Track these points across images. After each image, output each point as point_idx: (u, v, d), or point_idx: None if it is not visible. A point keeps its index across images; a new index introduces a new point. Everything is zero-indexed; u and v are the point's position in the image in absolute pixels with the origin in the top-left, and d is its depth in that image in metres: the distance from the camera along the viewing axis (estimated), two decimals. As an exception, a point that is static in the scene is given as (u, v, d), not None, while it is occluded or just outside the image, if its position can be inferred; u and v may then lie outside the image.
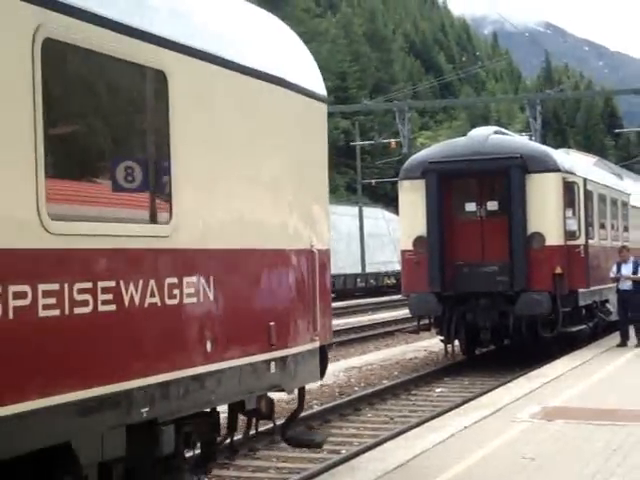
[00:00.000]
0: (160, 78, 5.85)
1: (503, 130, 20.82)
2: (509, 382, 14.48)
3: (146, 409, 5.63)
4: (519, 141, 20.26)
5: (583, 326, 18.73)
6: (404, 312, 23.56)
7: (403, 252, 18.48)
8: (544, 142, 34.56)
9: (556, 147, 28.76)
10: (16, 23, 4.74)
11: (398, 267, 29.92)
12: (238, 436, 7.93)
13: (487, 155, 17.55)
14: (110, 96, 5.74)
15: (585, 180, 19.19)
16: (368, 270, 52.59)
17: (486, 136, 18.41)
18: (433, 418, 11.64)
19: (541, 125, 41.78)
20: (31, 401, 4.76)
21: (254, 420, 7.63)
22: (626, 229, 24.22)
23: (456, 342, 18.34)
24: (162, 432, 5.97)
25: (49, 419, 4.88)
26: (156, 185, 5.94)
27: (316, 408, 13.06)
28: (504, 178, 17.56)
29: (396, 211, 24.61)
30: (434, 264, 17.42)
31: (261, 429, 8.06)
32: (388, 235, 51.57)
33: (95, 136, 5.62)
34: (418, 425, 11.17)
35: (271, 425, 7.93)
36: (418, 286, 17.61)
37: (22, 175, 4.79)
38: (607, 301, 20.27)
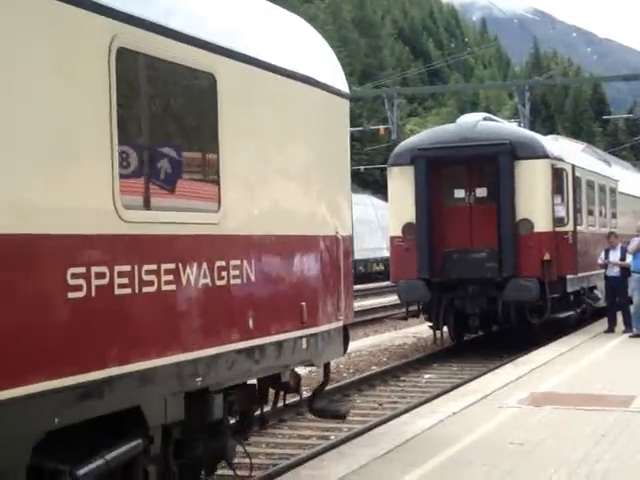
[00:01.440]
0: (210, 80, 6.53)
1: (492, 117, 20.82)
2: (497, 368, 14.54)
3: (200, 379, 6.33)
4: (508, 128, 20.25)
5: (571, 312, 18.80)
6: (393, 299, 23.60)
7: (392, 239, 18.48)
8: (533, 128, 34.52)
9: (544, 134, 28.78)
10: (96, 34, 5.43)
11: (387, 254, 29.97)
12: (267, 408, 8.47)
13: (476, 141, 17.55)
14: (170, 98, 6.43)
15: (574, 167, 19.22)
16: (356, 257, 52.27)
17: (475, 123, 18.40)
18: (422, 404, 11.67)
19: (530, 111, 41.78)
20: (109, 369, 5.43)
21: (282, 393, 8.28)
22: (614, 216, 24.29)
23: (445, 328, 18.38)
24: (213, 400, 6.69)
25: (124, 385, 5.56)
26: (208, 178, 6.64)
27: (305, 394, 13.04)
28: (493, 164, 17.57)
29: (385, 198, 24.61)
30: (423, 251, 17.44)
31: (288, 402, 8.83)
32: (376, 222, 51.47)
33: (159, 134, 6.25)
34: (407, 411, 11.20)
35: (297, 398, 8.78)
36: (407, 272, 17.62)
37: (101, 170, 5.42)
38: (595, 287, 20.35)
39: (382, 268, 46.84)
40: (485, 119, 19.17)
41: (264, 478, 8.55)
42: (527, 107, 40.58)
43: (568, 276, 18.26)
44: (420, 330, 20.91)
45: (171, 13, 6.22)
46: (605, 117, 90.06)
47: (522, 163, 17.49)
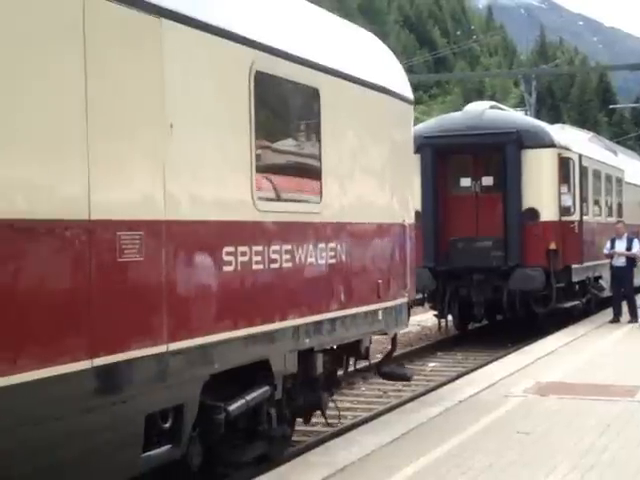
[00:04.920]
0: (315, 93, 7.96)
1: (499, 105, 20.75)
2: (502, 357, 14.53)
3: (307, 340, 7.85)
4: (515, 116, 20.21)
5: (576, 302, 18.78)
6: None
7: (398, 227, 18.42)
8: (538, 117, 34.39)
9: (550, 122, 28.66)
10: (240, 60, 6.88)
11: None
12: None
13: (483, 130, 17.50)
14: (289, 109, 7.98)
15: (580, 156, 19.16)
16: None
17: (482, 111, 18.35)
18: (427, 392, 11.68)
19: (535, 100, 41.62)
20: (248, 328, 6.88)
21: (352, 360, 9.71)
22: (620, 205, 24.23)
23: (449, 317, 18.37)
24: (316, 358, 8.24)
25: (258, 342, 7.07)
26: (314, 174, 8.02)
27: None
28: (499, 153, 17.53)
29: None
30: (429, 239, 17.42)
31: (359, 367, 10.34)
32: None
33: (281, 139, 7.69)
34: (412, 399, 11.22)
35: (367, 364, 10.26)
36: (412, 261, 17.58)
37: (243, 171, 6.88)
38: (600, 277, 20.32)
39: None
40: (492, 107, 19.12)
41: (276, 462, 8.56)
42: (533, 95, 40.43)
43: (574, 266, 18.24)
44: (425, 318, 20.90)
45: (290, 41, 7.62)
46: (611, 106, 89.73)
47: (529, 152, 17.45)
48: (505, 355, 14.88)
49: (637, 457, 7.65)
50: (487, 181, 18.02)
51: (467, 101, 30.85)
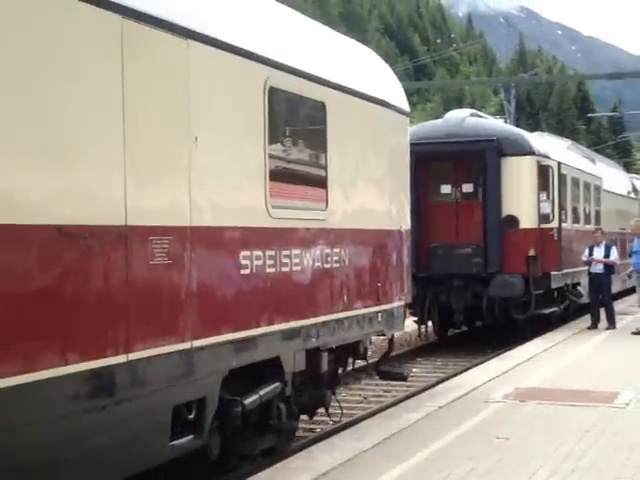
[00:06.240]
0: (322, 107, 8.51)
1: (479, 113, 20.88)
2: (482, 363, 14.60)
3: (314, 339, 8.35)
4: (495, 124, 20.33)
5: (555, 308, 18.91)
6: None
7: (378, 233, 18.48)
8: (517, 125, 34.60)
9: (529, 130, 28.86)
10: (256, 77, 7.40)
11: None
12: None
13: (463, 137, 17.61)
14: (299, 123, 8.49)
15: (559, 164, 19.31)
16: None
17: (462, 119, 18.46)
18: (407, 398, 11.73)
19: (514, 108, 41.86)
20: (262, 327, 7.40)
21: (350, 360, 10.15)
22: (599, 213, 24.42)
23: (429, 323, 18.43)
24: (321, 357, 8.74)
25: (271, 340, 7.55)
26: (320, 183, 8.51)
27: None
28: (480, 161, 17.63)
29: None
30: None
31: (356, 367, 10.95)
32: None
33: (291, 150, 8.16)
34: (393, 405, 11.26)
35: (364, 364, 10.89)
36: (393, 267, 17.65)
37: (258, 180, 7.38)
38: (579, 284, 20.46)
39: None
40: (472, 115, 19.23)
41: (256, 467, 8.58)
42: (513, 104, 40.69)
43: (552, 272, 18.35)
44: (405, 324, 20.91)
45: (299, 58, 8.14)
46: (589, 115, 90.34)
47: (508, 160, 17.57)
48: (484, 361, 14.95)
49: (616, 462, 7.72)
50: (467, 188, 18.12)
51: (447, 109, 31.01)
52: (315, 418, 11.29)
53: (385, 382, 14.64)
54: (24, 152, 5.07)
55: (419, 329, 18.31)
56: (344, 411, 11.87)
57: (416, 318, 18.33)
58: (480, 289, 17.40)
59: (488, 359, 15.18)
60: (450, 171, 18.33)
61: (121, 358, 5.69)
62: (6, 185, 4.92)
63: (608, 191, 26.60)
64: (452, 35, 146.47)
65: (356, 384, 14.33)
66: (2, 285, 4.89)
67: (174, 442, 6.45)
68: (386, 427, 9.08)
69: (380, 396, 13.31)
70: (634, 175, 40.65)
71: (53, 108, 5.26)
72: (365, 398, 13.15)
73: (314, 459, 7.86)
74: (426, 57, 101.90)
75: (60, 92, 5.31)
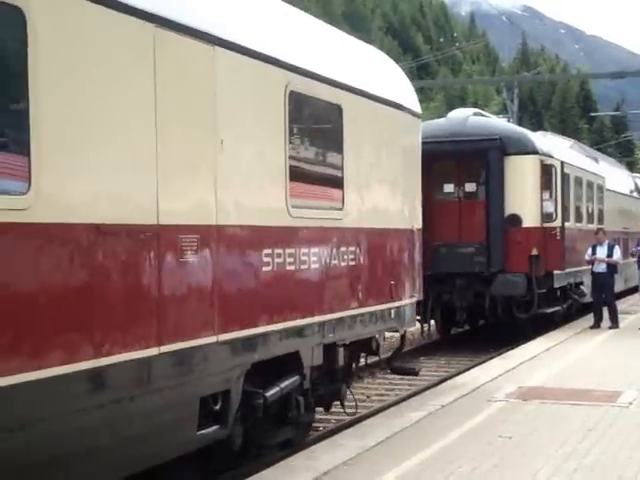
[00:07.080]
0: (338, 109, 8.77)
1: (482, 112, 20.86)
2: (485, 362, 14.59)
3: (331, 335, 8.62)
4: (498, 123, 20.30)
5: (558, 307, 18.89)
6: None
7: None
8: (520, 124, 34.57)
9: (532, 130, 28.82)
10: (277, 81, 7.67)
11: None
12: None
13: (466, 137, 17.59)
14: (318, 124, 8.74)
15: (562, 163, 19.29)
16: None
17: (465, 118, 18.44)
18: (410, 397, 11.72)
19: (517, 107, 41.76)
20: (283, 323, 7.67)
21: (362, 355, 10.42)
22: (601, 212, 24.39)
23: (432, 322, 18.42)
24: (338, 352, 9.02)
25: (291, 335, 7.86)
26: (337, 184, 8.76)
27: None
28: (483, 160, 17.62)
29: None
30: (412, 244, 17.45)
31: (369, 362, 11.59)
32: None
33: (311, 152, 8.49)
34: (396, 403, 11.25)
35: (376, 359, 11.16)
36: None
37: (279, 181, 7.66)
38: (581, 283, 20.45)
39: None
40: (475, 114, 19.21)
41: (254, 468, 8.57)
42: (515, 103, 40.57)
43: (555, 271, 18.34)
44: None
45: (317, 63, 8.39)
46: (592, 114, 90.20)
47: (511, 159, 17.56)
48: (487, 360, 14.95)
49: (619, 461, 7.72)
50: (470, 187, 18.10)
51: (450, 108, 30.99)
52: (318, 417, 11.32)
53: (387, 381, 14.70)
54: (75, 158, 5.38)
55: (422, 328, 18.29)
56: (347, 410, 11.90)
57: (419, 317, 18.29)
58: (483, 288, 17.39)
59: (491, 358, 15.18)
60: (453, 170, 18.31)
61: (153, 351, 5.93)
62: (56, 188, 5.22)
63: (611, 190, 26.57)
64: (455, 34, 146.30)
65: (358, 382, 14.32)
66: (51, 277, 5.16)
67: (201, 431, 6.72)
68: (389, 426, 9.08)
69: (382, 395, 13.30)
70: (637, 174, 40.58)
71: (98, 114, 5.54)
72: (368, 397, 13.14)
73: (316, 458, 7.85)
74: (429, 56, 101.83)
75: (104, 99, 5.61)
